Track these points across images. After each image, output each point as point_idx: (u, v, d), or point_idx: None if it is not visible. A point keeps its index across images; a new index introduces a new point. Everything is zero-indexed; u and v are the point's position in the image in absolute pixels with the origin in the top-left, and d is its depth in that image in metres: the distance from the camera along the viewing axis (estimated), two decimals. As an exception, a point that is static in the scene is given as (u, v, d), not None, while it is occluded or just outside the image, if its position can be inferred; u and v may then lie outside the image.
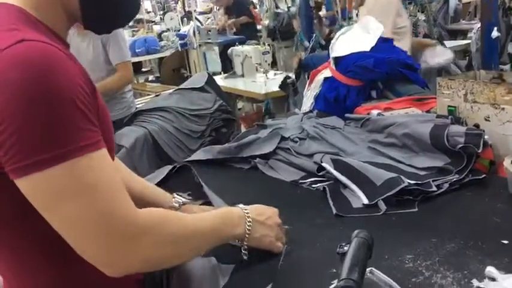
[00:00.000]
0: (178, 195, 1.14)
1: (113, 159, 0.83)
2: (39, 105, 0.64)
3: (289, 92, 3.06)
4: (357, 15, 4.00)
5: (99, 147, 0.70)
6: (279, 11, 5.86)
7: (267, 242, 0.96)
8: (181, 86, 2.21)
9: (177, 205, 1.12)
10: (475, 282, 0.82)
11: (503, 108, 1.27)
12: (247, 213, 0.93)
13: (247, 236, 0.92)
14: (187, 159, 1.65)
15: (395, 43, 2.00)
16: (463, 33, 5.63)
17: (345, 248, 0.80)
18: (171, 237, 0.77)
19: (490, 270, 0.84)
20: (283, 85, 3.10)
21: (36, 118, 0.64)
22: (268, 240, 0.96)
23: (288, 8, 5.73)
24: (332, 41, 1.97)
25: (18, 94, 0.64)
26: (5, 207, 0.75)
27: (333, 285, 0.81)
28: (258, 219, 0.94)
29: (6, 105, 0.64)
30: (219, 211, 0.95)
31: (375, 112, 1.61)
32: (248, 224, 0.92)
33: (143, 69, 7.23)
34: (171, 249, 0.78)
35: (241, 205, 0.96)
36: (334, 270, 0.91)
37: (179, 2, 9.86)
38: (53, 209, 0.68)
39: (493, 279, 0.82)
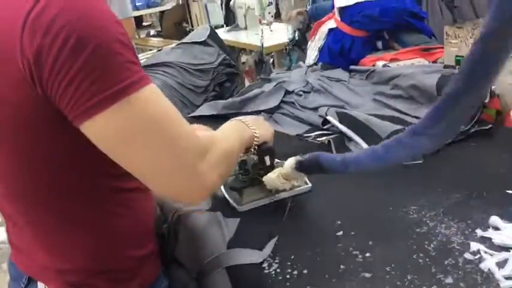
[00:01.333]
0: None
1: None
2: (90, 48, 0.62)
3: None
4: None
5: (150, 80, 0.69)
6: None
7: (271, 131, 1.01)
8: (184, 40, 2.17)
9: None
10: (478, 231, 0.83)
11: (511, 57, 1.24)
12: (240, 119, 0.97)
13: (256, 133, 0.94)
14: (191, 115, 1.64)
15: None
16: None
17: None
18: (226, 151, 0.80)
19: (494, 219, 0.84)
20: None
21: (92, 60, 0.62)
22: (270, 128, 1.01)
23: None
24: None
25: (71, 38, 0.61)
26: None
27: None
28: (251, 120, 0.97)
29: (61, 51, 0.61)
30: (228, 125, 0.94)
31: (380, 63, 1.59)
32: (248, 125, 0.95)
33: (144, 24, 7.10)
34: (228, 161, 0.81)
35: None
36: (339, 222, 0.92)
37: (179, -48, 9.55)
38: (123, 148, 0.67)
39: (497, 229, 0.83)
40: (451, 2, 2.14)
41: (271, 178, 0.99)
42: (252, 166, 1.04)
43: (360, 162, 0.85)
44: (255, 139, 0.94)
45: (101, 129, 0.65)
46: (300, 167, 0.95)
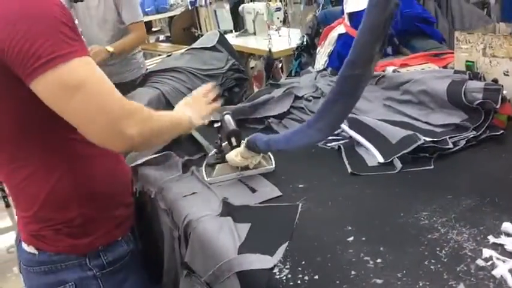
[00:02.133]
0: None
1: None
2: (37, 23, 0.82)
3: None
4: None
5: (87, 54, 0.88)
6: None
7: (200, 110, 1.20)
8: (193, 46, 2.18)
9: None
10: (491, 238, 0.83)
11: (523, 63, 1.23)
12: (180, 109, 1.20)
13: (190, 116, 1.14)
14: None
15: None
16: (481, -16, 5.43)
17: (218, 124, 1.25)
18: (150, 118, 0.96)
19: (507, 226, 0.84)
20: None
21: (38, 32, 0.82)
22: (200, 108, 1.21)
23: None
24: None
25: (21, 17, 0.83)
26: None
27: None
28: (185, 104, 1.21)
29: (14, 27, 0.82)
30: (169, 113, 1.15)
31: (390, 69, 1.58)
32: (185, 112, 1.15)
33: (153, 29, 7.14)
34: (151, 125, 0.95)
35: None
36: (350, 228, 0.92)
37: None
38: (62, 102, 0.86)
39: (509, 235, 0.83)
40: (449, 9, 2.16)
41: (231, 156, 1.17)
42: (225, 147, 1.22)
43: (278, 144, 1.06)
44: (193, 122, 1.14)
45: (44, 87, 0.84)
46: (248, 145, 1.13)
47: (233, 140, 1.18)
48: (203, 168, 1.22)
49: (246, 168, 1.19)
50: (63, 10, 0.87)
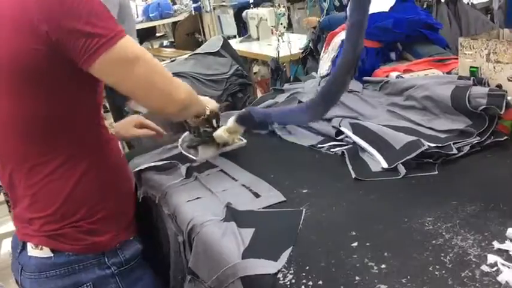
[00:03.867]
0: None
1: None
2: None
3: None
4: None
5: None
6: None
7: (217, 105, 1.29)
8: (197, 51, 2.19)
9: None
10: (496, 244, 0.82)
11: (527, 68, 1.23)
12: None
13: (207, 107, 1.23)
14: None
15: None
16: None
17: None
18: (189, 89, 1.10)
19: (511, 232, 0.84)
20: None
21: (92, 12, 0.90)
22: (216, 104, 1.29)
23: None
24: (350, 1, 1.92)
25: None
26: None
27: None
28: (204, 99, 1.26)
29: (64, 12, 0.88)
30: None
31: (393, 74, 1.58)
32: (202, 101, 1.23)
33: (157, 34, 7.17)
34: (191, 94, 1.10)
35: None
36: (354, 233, 0.92)
37: (192, -36, 9.64)
38: (125, 76, 0.95)
39: (514, 241, 0.82)
40: (457, 15, 2.17)
41: (219, 133, 1.28)
42: (203, 130, 1.32)
43: (276, 117, 1.26)
44: (207, 111, 1.23)
45: (105, 65, 0.92)
46: (240, 120, 1.25)
47: (214, 121, 1.30)
48: (183, 151, 1.34)
49: (225, 145, 1.32)
50: None
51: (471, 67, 1.38)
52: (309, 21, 3.46)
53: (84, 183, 1.02)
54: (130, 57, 0.94)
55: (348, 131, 1.32)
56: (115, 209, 1.08)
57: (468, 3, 3.01)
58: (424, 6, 2.81)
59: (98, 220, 1.04)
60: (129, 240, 1.11)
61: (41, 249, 1.03)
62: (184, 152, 1.33)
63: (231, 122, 1.26)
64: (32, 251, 1.03)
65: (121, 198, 1.12)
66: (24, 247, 1.05)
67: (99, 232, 1.05)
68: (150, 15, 5.96)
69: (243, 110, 1.28)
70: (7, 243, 2.89)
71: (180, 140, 1.40)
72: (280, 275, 0.84)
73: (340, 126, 1.36)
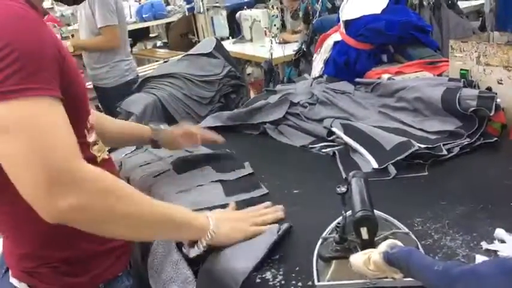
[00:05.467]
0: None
1: (88, 114, 0.92)
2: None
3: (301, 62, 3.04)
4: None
5: (54, 95, 0.74)
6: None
7: (238, 232, 0.91)
8: (190, 52, 2.18)
9: (156, 131, 1.26)
10: (484, 244, 0.83)
11: (516, 71, 1.24)
12: (212, 213, 0.94)
13: (213, 231, 0.87)
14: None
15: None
16: (476, -6, 5.47)
17: (343, 189, 0.83)
18: (107, 192, 0.76)
19: (500, 232, 0.84)
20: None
21: None
22: (239, 229, 0.91)
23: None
24: (342, 4, 1.93)
25: None
26: None
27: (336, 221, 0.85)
28: (221, 216, 0.93)
29: None
30: (174, 207, 0.91)
31: (385, 76, 1.59)
32: (211, 218, 0.90)
33: (151, 35, 7.15)
34: (102, 203, 0.75)
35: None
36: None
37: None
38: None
39: (503, 241, 0.83)
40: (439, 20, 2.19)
41: (357, 260, 0.73)
42: (349, 234, 0.80)
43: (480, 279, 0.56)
44: (208, 235, 0.87)
45: None
46: (387, 258, 0.68)
47: (364, 231, 0.75)
48: (314, 262, 0.82)
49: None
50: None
51: (461, 69, 1.39)
52: (284, 39, 3.55)
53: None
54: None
55: (339, 132, 1.32)
56: (98, 247, 0.93)
57: (454, 7, 3.03)
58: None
59: (78, 261, 0.91)
60: (116, 278, 0.96)
61: (19, 281, 0.93)
62: (313, 262, 0.83)
63: (377, 252, 0.70)
64: (12, 279, 0.94)
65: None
66: (7, 270, 0.96)
67: (79, 273, 0.92)
68: (144, 15, 5.94)
69: (399, 248, 0.68)
70: None
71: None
72: (270, 276, 0.84)
73: (331, 127, 1.36)
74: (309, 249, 0.89)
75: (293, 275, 0.83)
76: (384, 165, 1.15)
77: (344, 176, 1.15)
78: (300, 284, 0.81)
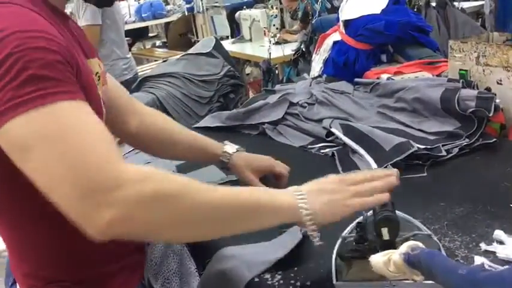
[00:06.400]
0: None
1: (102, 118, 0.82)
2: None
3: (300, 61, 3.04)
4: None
5: (74, 98, 0.65)
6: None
7: (340, 207, 0.75)
8: (189, 52, 2.19)
9: (229, 152, 1.10)
10: (483, 245, 0.83)
11: (516, 72, 1.24)
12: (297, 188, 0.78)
13: (306, 209, 0.73)
14: (195, 125, 1.65)
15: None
16: (476, -6, 5.47)
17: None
18: (166, 197, 0.64)
19: (498, 233, 0.84)
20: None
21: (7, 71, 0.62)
22: (339, 203, 0.75)
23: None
24: (341, 4, 1.93)
25: None
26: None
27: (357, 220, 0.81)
28: (311, 188, 0.77)
29: None
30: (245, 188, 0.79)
31: (384, 76, 1.59)
32: (299, 196, 0.75)
33: (150, 35, 7.15)
34: (162, 208, 0.64)
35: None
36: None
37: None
38: (24, 154, 0.62)
39: (501, 243, 0.83)
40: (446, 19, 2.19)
41: (378, 261, 0.70)
42: (369, 234, 0.78)
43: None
44: (306, 216, 0.73)
45: (8, 136, 0.63)
46: (408, 260, 0.66)
47: (385, 231, 0.74)
48: (332, 261, 0.79)
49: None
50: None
51: (460, 70, 1.39)
52: (284, 39, 3.55)
53: (67, 242, 0.79)
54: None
55: (338, 132, 1.32)
56: (114, 265, 0.85)
57: (458, 8, 3.03)
58: (414, 9, 2.83)
59: (91, 280, 0.83)
60: None
61: None
62: (332, 261, 0.79)
63: (398, 253, 0.67)
64: None
65: (120, 252, 0.86)
66: (15, 282, 0.89)
67: None
68: (143, 15, 5.95)
69: (421, 250, 0.65)
70: None
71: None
72: (268, 276, 0.83)
73: (330, 127, 1.36)
74: (307, 250, 0.89)
75: (292, 274, 0.83)
76: (383, 166, 1.15)
77: (343, 176, 1.15)
78: (298, 284, 0.81)
